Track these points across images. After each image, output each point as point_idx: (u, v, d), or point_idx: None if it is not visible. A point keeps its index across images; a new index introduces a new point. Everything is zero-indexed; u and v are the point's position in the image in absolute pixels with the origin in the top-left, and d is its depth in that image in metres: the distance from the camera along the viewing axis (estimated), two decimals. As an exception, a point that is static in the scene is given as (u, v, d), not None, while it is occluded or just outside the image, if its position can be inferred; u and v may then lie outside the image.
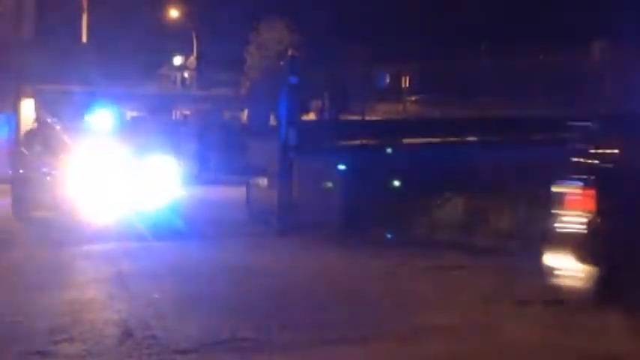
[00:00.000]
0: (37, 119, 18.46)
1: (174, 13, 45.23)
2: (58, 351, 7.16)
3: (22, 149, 17.22)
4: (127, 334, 7.68)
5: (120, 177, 14.60)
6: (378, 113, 24.34)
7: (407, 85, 27.78)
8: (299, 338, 7.59)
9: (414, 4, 36.92)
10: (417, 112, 25.09)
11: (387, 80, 27.02)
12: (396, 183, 15.34)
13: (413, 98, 26.82)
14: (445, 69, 25.49)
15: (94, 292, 9.83)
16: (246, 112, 30.52)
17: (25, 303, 8.98)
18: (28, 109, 26.86)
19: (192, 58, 45.63)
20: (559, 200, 8.69)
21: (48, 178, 15.34)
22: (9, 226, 15.93)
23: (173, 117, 40.64)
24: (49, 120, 16.83)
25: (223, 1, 42.31)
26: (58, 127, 16.07)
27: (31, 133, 17.39)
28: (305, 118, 22.02)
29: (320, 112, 23.83)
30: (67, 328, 7.84)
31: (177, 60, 48.00)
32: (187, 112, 40.42)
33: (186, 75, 47.22)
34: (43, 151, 15.95)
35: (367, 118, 21.49)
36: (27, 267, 11.42)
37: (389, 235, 14.30)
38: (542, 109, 20.21)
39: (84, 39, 30.60)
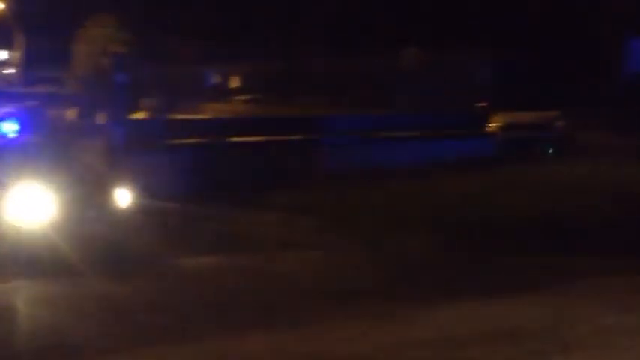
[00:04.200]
0: None
1: (-1, 6, 43.75)
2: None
3: None
4: None
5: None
6: (207, 112, 24.64)
7: (237, 84, 28.18)
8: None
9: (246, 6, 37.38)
10: (245, 111, 25.56)
11: (216, 80, 27.29)
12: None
13: (243, 98, 27.25)
14: (276, 70, 26.08)
15: None
16: (71, 110, 29.97)
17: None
18: None
19: (17, 54, 44.31)
20: None
21: None
22: None
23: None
24: None
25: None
26: None
27: None
28: (137, 116, 22.01)
29: (151, 110, 23.79)
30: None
31: (2, 55, 46.47)
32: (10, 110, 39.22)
33: (10, 71, 45.80)
34: None
35: (196, 117, 21.75)
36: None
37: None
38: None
39: None
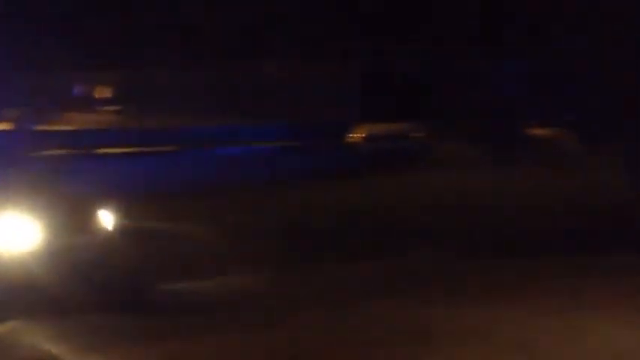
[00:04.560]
0: None
1: None
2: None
3: None
4: None
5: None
6: (73, 123, 24.51)
7: (106, 95, 28.11)
8: None
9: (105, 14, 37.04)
10: (113, 122, 25.53)
11: (85, 90, 27.19)
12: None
13: (112, 108, 27.18)
14: (144, 81, 26.14)
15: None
16: None
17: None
18: None
19: None
20: None
21: None
22: None
23: None
24: None
25: None
26: None
27: None
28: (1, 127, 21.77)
29: (16, 121, 23.52)
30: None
31: None
32: None
33: None
34: None
35: (63, 128, 21.68)
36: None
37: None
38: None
39: None
